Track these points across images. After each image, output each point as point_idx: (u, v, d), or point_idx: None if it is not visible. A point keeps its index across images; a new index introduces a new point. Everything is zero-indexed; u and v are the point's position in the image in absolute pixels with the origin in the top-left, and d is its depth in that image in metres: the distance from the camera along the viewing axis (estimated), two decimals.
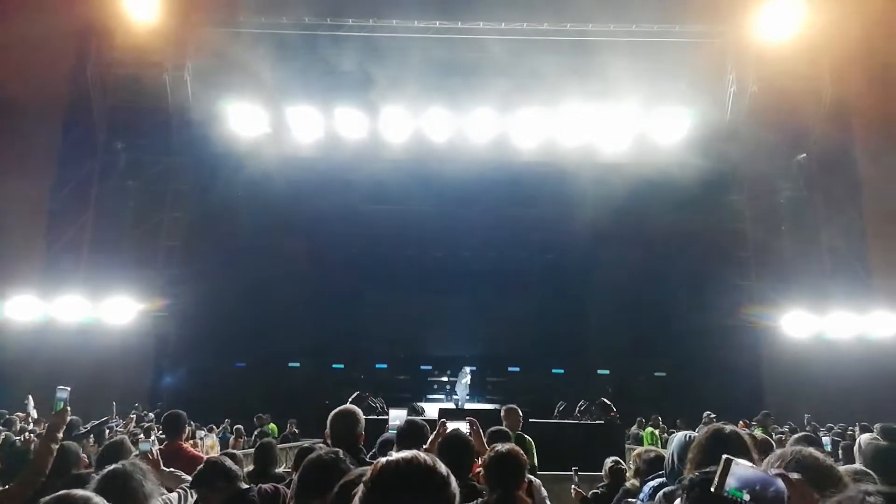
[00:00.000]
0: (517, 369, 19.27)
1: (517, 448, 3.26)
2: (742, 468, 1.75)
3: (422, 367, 18.87)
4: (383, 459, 1.63)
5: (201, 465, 3.81)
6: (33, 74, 16.12)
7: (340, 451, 2.93)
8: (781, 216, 17.46)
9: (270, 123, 17.68)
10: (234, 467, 3.78)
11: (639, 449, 5.25)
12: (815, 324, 16.05)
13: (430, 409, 12.19)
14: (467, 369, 14.62)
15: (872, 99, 16.91)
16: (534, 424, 10.80)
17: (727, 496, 1.72)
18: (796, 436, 5.74)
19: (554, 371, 19.06)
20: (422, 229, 18.69)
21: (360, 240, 18.85)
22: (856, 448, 6.22)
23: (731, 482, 1.75)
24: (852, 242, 17.03)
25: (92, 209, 17.24)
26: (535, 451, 6.17)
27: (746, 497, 1.71)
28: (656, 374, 18.32)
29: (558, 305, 19.20)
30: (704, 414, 11.82)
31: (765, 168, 17.54)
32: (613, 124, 17.38)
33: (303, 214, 17.68)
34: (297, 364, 17.89)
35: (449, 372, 17.29)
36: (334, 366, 18.52)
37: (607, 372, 18.60)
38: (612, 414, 10.20)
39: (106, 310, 15.65)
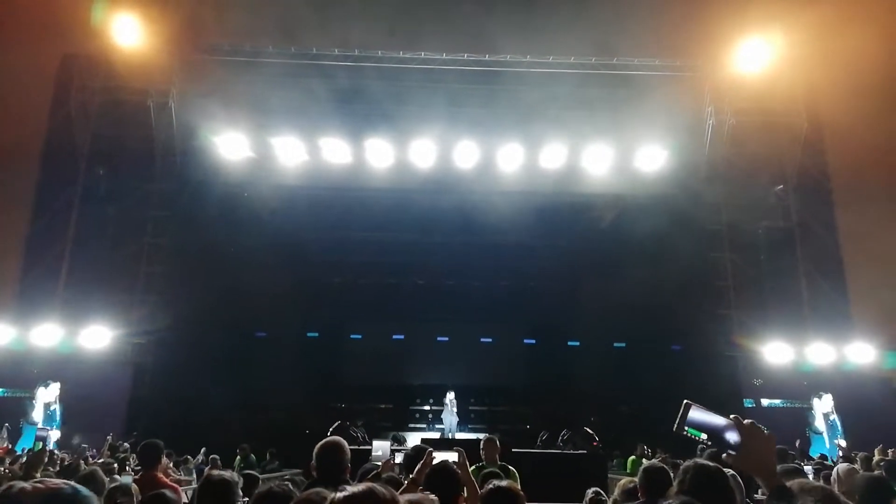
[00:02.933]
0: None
1: (515, 485, 3.23)
2: (699, 412, 1.86)
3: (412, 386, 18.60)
4: (338, 494, 1.61)
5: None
6: (15, 100, 16.05)
7: (290, 484, 2.92)
8: (760, 246, 17.68)
9: (254, 151, 17.66)
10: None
11: (623, 479, 5.23)
12: (793, 353, 16.18)
13: (413, 439, 12.09)
14: (451, 395, 14.48)
15: (848, 131, 17.33)
16: (516, 454, 10.74)
17: (686, 435, 1.82)
18: (781, 467, 5.76)
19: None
20: (405, 257, 18.70)
21: (343, 268, 18.81)
22: (833, 478, 6.26)
23: (690, 423, 1.86)
24: (830, 272, 17.29)
25: (72, 235, 17.06)
26: (519, 482, 6.13)
27: (703, 436, 1.81)
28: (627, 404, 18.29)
29: (541, 333, 19.22)
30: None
31: (744, 199, 17.82)
32: (593, 155, 17.58)
33: (286, 243, 17.61)
34: (280, 393, 17.67)
35: (431, 401, 17.17)
36: (314, 393, 18.32)
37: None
38: (595, 444, 10.18)
39: (84, 337, 15.40)
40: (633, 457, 12.43)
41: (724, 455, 1.87)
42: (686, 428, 1.89)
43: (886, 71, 15.91)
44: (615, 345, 18.04)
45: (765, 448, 1.86)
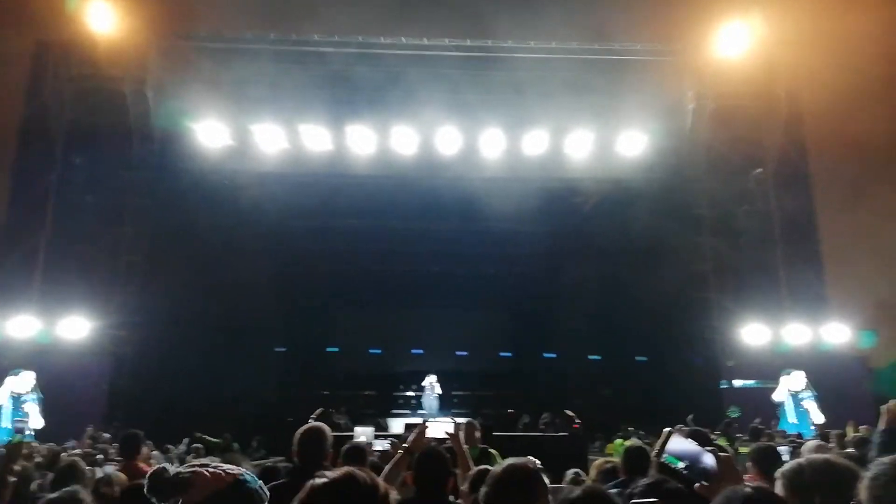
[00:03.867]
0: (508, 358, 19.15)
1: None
2: (679, 442, 1.92)
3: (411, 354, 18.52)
4: (318, 481, 1.61)
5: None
6: None
7: (272, 469, 2.92)
8: (739, 230, 17.84)
9: (234, 137, 17.49)
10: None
11: (598, 460, 5.29)
12: (770, 334, 16.40)
13: (397, 425, 12.15)
14: (432, 378, 14.55)
15: (827, 115, 17.49)
16: (497, 437, 10.84)
17: (665, 463, 1.87)
18: (754, 446, 5.86)
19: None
20: (388, 244, 18.68)
21: (327, 255, 18.76)
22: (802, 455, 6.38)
23: (669, 451, 1.90)
24: (807, 255, 17.52)
25: (49, 225, 16.84)
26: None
27: (681, 465, 1.86)
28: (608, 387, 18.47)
29: (525, 318, 19.33)
30: (689, 418, 11.89)
31: (724, 183, 17.94)
32: (575, 140, 17.60)
33: (267, 230, 17.53)
34: (263, 382, 17.65)
35: (414, 386, 17.26)
36: (298, 381, 18.34)
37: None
38: (575, 426, 10.31)
39: (62, 327, 15.26)
40: (618, 439, 12.53)
41: (696, 485, 1.91)
42: (665, 455, 1.94)
43: (867, 54, 16.04)
44: (598, 339, 18.17)
45: (738, 477, 1.94)
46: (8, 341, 14.90)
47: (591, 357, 18.89)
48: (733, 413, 13.56)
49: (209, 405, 14.62)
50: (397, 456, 4.06)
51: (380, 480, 1.70)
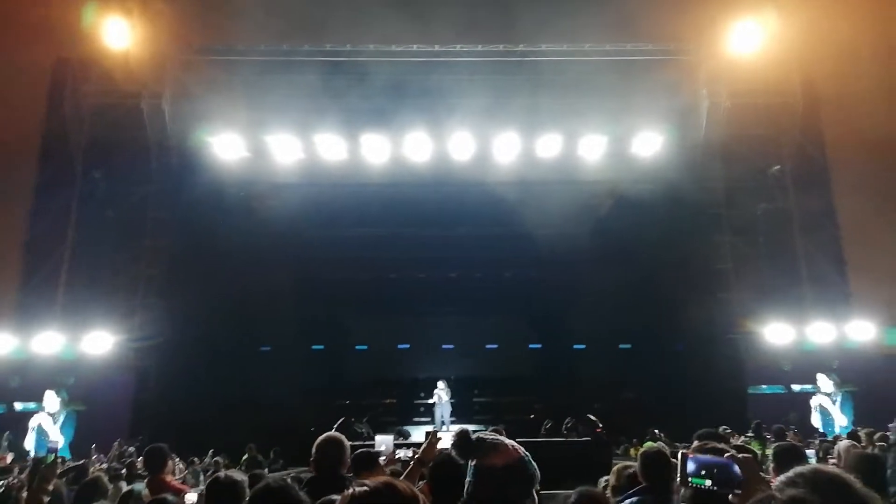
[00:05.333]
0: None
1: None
2: (697, 458, 1.87)
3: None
4: (357, 489, 1.61)
5: None
6: (8, 106, 16.01)
7: (289, 479, 2.94)
8: (759, 228, 17.66)
9: (250, 149, 17.63)
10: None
11: (619, 465, 5.22)
12: (794, 333, 16.18)
13: (418, 433, 12.13)
14: (441, 384, 14.44)
15: (843, 110, 17.29)
16: (520, 444, 10.72)
17: (692, 486, 1.83)
18: (776, 446, 5.79)
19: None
20: (405, 251, 18.69)
21: (344, 264, 18.78)
22: (834, 455, 6.30)
23: (691, 472, 1.85)
24: (828, 251, 17.30)
25: (70, 240, 17.05)
26: None
27: (708, 483, 1.82)
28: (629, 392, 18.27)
29: (544, 324, 19.24)
30: (721, 428, 11.77)
31: (741, 181, 17.78)
32: (589, 142, 17.54)
33: (285, 240, 17.60)
34: (285, 392, 17.69)
35: (423, 394, 17.21)
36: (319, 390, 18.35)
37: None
38: (599, 430, 10.23)
39: (86, 343, 15.41)
40: (648, 442, 12.37)
41: (730, 496, 1.88)
42: (690, 479, 1.90)
43: (881, 48, 15.87)
44: (620, 343, 18.05)
45: (762, 481, 1.89)
46: (34, 358, 15.07)
47: (611, 355, 18.74)
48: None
49: (232, 416, 14.69)
50: (410, 466, 4.05)
51: (417, 490, 1.71)
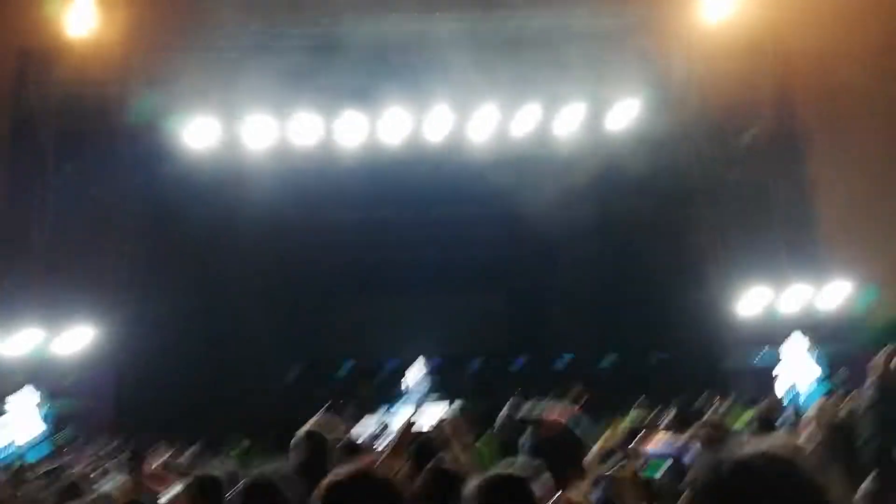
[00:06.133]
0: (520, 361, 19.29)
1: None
2: (657, 446, 1.93)
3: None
4: (331, 479, 1.64)
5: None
6: None
7: (275, 470, 2.96)
8: (735, 195, 17.75)
9: (223, 136, 17.42)
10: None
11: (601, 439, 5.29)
12: (772, 299, 16.37)
13: (401, 417, 12.16)
14: (420, 361, 14.45)
15: (818, 73, 17.31)
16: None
17: (647, 480, 1.88)
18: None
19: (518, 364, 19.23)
20: (383, 234, 18.65)
21: (324, 248, 18.71)
22: (807, 416, 6.39)
23: (652, 456, 1.92)
24: (804, 217, 17.46)
25: (44, 234, 16.81)
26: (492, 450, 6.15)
27: (665, 466, 1.88)
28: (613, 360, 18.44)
29: (524, 299, 19.33)
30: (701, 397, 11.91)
31: (716, 149, 17.83)
32: (566, 114, 17.51)
33: (262, 225, 17.48)
34: (268, 380, 17.71)
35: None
36: (301, 380, 18.40)
37: (572, 355, 18.78)
38: (580, 409, 10.30)
39: (64, 338, 15.27)
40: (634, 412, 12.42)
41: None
42: (648, 462, 1.95)
43: (854, 10, 15.85)
44: (598, 314, 18.19)
45: None
46: (10, 355, 14.93)
47: (591, 327, 18.92)
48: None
49: (216, 407, 14.70)
50: (389, 450, 4.09)
51: (393, 476, 1.74)
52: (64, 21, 16.57)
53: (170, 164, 17.12)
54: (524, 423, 2.01)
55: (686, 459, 1.95)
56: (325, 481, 1.70)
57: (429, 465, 3.29)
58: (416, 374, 15.13)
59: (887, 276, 16.48)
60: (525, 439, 2.41)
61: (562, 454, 2.36)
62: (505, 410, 6.03)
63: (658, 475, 1.95)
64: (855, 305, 16.35)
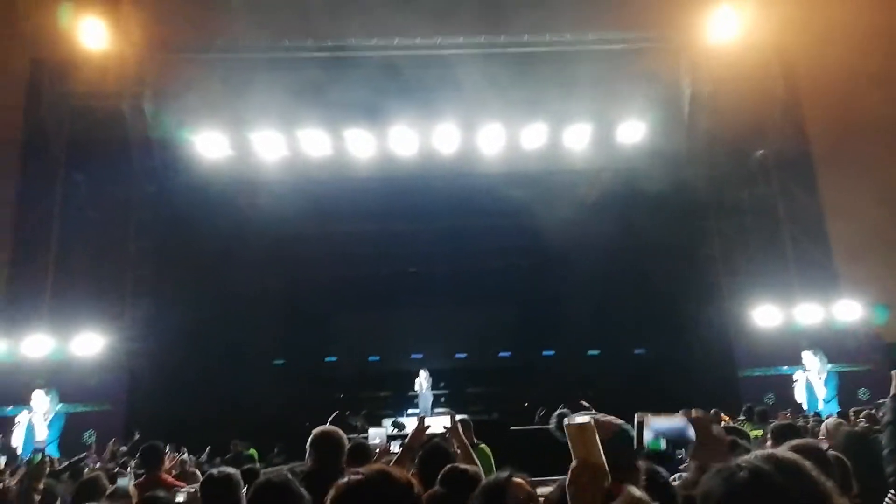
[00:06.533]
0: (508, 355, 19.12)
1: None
2: (653, 422, 1.91)
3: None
4: (351, 478, 1.61)
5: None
6: None
7: (290, 473, 2.93)
8: (745, 212, 17.79)
9: (234, 147, 17.52)
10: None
11: None
12: (782, 315, 16.32)
13: (412, 425, 12.10)
14: (423, 373, 14.52)
15: (824, 94, 17.45)
16: (515, 433, 10.83)
17: (649, 450, 1.86)
18: (774, 424, 5.85)
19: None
20: (391, 246, 18.66)
21: (334, 260, 18.72)
22: (822, 432, 6.35)
23: (648, 437, 1.89)
24: (814, 234, 17.47)
25: (55, 244, 16.84)
26: (492, 461, 6.16)
27: (664, 445, 1.85)
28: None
29: (535, 312, 19.31)
30: (712, 411, 11.82)
31: (726, 167, 17.90)
32: (574, 132, 17.62)
33: (272, 237, 17.50)
34: (276, 388, 17.61)
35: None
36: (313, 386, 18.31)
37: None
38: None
39: (75, 345, 15.25)
40: None
41: (687, 456, 1.93)
42: (646, 444, 1.93)
43: (859, 32, 16.01)
44: (608, 327, 18.17)
45: (717, 438, 1.98)
46: (23, 360, 14.93)
47: (591, 352, 18.95)
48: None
49: (225, 414, 14.63)
50: (399, 453, 4.05)
51: (412, 478, 1.71)
52: (77, 33, 16.76)
53: (181, 175, 17.20)
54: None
55: (689, 434, 1.93)
56: (342, 481, 1.66)
57: (447, 468, 3.27)
58: (419, 384, 15.08)
59: None
60: None
61: (619, 454, 2.36)
62: (555, 416, 5.97)
63: (662, 447, 1.93)
64: (865, 324, 16.29)
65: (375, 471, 1.66)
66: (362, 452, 4.51)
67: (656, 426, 1.95)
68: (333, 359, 19.53)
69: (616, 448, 2.23)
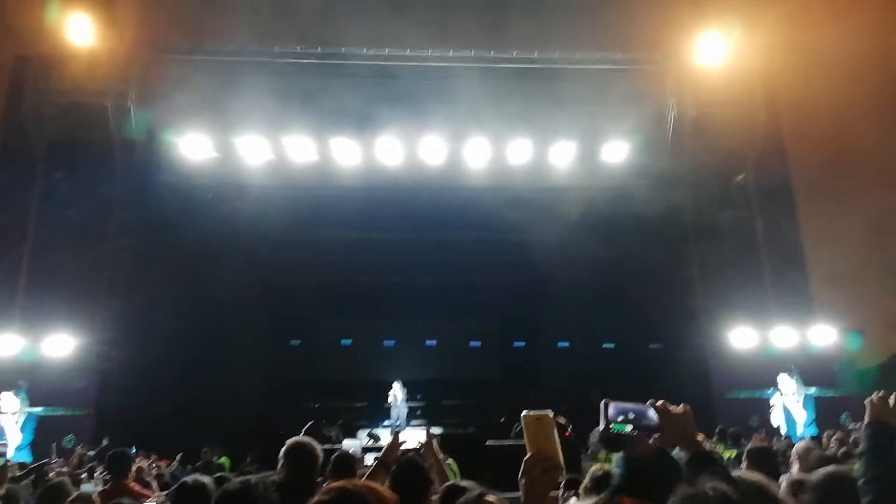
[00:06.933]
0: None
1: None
2: (616, 405, 1.94)
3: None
4: (323, 496, 1.58)
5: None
6: None
7: (252, 479, 2.87)
8: (724, 236, 17.98)
9: (218, 150, 17.39)
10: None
11: (593, 467, 5.24)
12: (758, 338, 16.48)
13: (387, 436, 12.05)
14: (397, 385, 14.42)
15: (804, 121, 17.78)
16: (490, 448, 10.80)
17: (613, 432, 1.86)
18: (750, 446, 5.87)
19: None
20: (373, 255, 18.62)
21: (314, 268, 18.63)
22: (792, 457, 6.36)
23: (611, 418, 1.92)
24: (792, 259, 17.70)
25: (30, 241, 16.56)
26: (458, 473, 6.20)
27: (628, 428, 1.89)
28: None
29: (514, 327, 19.32)
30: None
31: (706, 190, 18.11)
32: (559, 149, 17.76)
33: (253, 242, 17.36)
34: (252, 396, 17.42)
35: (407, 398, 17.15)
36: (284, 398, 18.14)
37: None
38: (567, 433, 10.30)
39: (46, 345, 14.96)
40: None
41: (651, 439, 1.93)
42: (611, 425, 1.96)
43: (842, 61, 16.32)
44: (588, 346, 18.24)
45: (681, 420, 1.97)
46: None
47: (578, 359, 18.92)
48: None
49: (198, 420, 14.42)
50: (372, 467, 4.01)
51: (390, 493, 1.68)
52: (63, 31, 16.59)
53: (161, 177, 17.03)
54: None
55: (650, 417, 1.97)
56: (321, 495, 1.63)
57: (448, 483, 3.23)
58: (393, 396, 14.99)
59: (873, 323, 16.71)
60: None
61: (656, 475, 2.39)
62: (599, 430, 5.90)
63: (626, 429, 1.97)
64: (840, 350, 16.50)
65: (363, 485, 1.64)
66: (348, 465, 4.44)
67: (620, 407, 1.96)
68: (311, 365, 19.37)
69: (660, 467, 2.22)
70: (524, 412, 1.88)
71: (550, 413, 1.92)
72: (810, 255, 17.77)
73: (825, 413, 14.37)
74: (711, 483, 1.55)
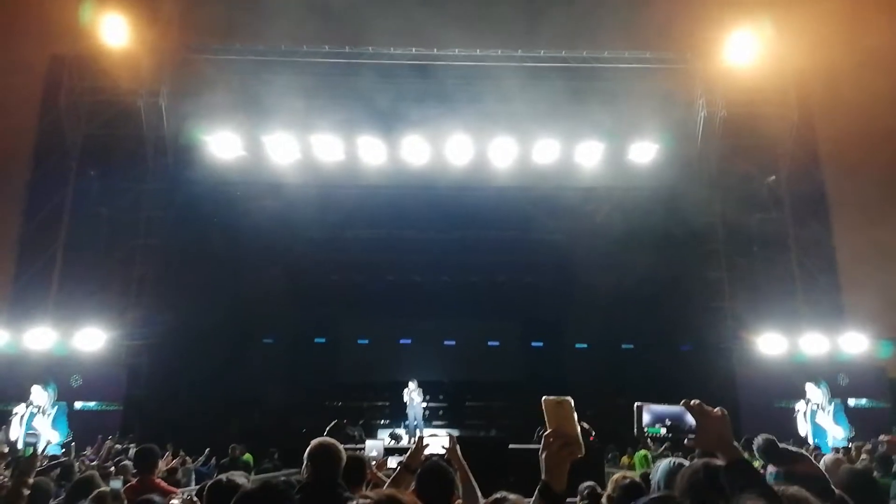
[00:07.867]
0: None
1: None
2: (653, 408, 1.98)
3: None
4: (360, 502, 1.60)
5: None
6: (3, 102, 15.93)
7: (278, 478, 2.87)
8: (753, 238, 17.68)
9: (247, 148, 17.58)
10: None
11: (616, 474, 5.18)
12: (787, 344, 16.18)
13: (405, 436, 12.07)
14: (412, 384, 14.21)
15: (838, 121, 17.38)
16: (513, 451, 10.76)
17: (647, 435, 1.88)
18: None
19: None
20: (400, 254, 18.66)
21: (339, 266, 18.74)
22: (822, 468, 6.25)
23: (646, 422, 1.92)
24: (823, 263, 17.33)
25: (63, 237, 16.94)
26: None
27: (663, 431, 1.92)
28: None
29: (540, 329, 19.22)
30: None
31: (736, 191, 17.82)
32: (586, 149, 17.59)
33: (280, 240, 17.55)
34: (276, 393, 17.61)
35: (428, 397, 17.16)
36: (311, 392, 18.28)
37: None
38: (591, 438, 10.19)
39: (78, 339, 15.30)
40: (642, 451, 12.23)
41: (685, 441, 1.92)
42: (645, 428, 1.97)
43: (874, 59, 15.94)
44: (613, 349, 18.09)
45: (719, 424, 1.93)
46: (26, 353, 14.98)
47: (604, 362, 18.75)
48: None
49: (224, 415, 14.62)
50: (396, 472, 4.00)
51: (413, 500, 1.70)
52: (97, 31, 16.89)
53: (192, 175, 17.27)
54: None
55: (688, 420, 1.95)
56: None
57: (493, 498, 3.23)
58: (409, 396, 14.88)
59: None
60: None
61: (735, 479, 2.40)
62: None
63: (661, 432, 1.96)
64: (872, 358, 16.14)
65: (385, 496, 1.67)
66: (358, 469, 4.43)
67: (655, 412, 1.97)
68: (333, 362, 19.51)
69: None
70: (544, 397, 1.94)
71: (570, 399, 1.96)
72: (842, 259, 17.37)
73: (871, 425, 13.92)
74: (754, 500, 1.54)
